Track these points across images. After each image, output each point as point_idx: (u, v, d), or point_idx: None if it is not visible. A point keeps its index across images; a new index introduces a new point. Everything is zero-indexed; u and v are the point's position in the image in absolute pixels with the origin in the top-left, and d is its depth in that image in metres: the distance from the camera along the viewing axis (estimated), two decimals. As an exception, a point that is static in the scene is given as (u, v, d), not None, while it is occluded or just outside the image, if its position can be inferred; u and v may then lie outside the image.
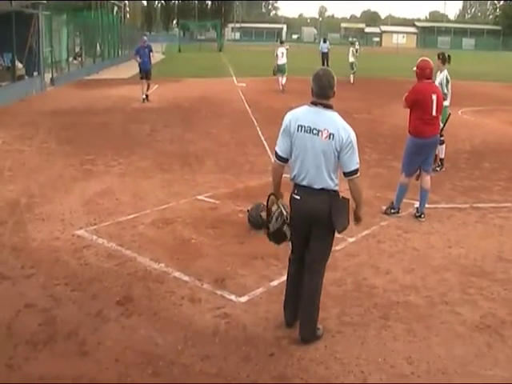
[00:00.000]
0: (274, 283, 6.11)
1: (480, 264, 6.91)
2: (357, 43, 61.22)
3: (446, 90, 11.02)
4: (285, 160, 4.98)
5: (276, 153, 5.01)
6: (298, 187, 4.96)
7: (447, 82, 11.22)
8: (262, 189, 9.58)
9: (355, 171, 4.85)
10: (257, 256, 6.80)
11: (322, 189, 4.86)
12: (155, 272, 6.36)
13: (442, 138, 10.76)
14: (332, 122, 4.79)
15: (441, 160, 11.70)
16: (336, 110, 4.89)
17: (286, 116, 4.99)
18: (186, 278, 6.22)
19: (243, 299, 5.78)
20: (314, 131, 4.78)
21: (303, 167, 4.88)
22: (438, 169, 11.33)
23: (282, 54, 24.67)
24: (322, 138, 4.76)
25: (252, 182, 10.13)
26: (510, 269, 6.78)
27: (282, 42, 26.93)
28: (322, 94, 4.84)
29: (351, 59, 29.35)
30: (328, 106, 4.86)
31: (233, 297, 5.82)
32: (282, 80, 24.66)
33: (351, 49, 29.77)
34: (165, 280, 6.19)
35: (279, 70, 24.70)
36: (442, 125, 9.98)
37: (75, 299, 5.72)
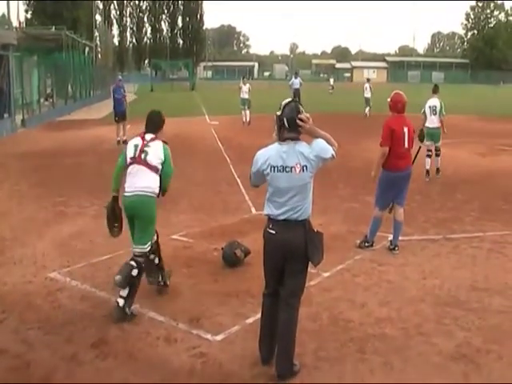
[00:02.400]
0: (250, 321, 6.08)
1: (454, 294, 6.96)
2: (331, 80, 62.54)
3: (444, 112, 14.13)
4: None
5: (251, 182, 5.25)
6: (274, 222, 5.00)
7: (441, 107, 14.08)
8: (236, 227, 9.62)
9: (333, 155, 4.96)
10: (231, 294, 6.79)
11: (296, 220, 4.92)
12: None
13: (438, 152, 14.35)
14: (302, 153, 4.89)
15: (438, 170, 14.34)
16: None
17: (256, 156, 5.10)
18: (161, 319, 6.18)
19: (219, 338, 5.75)
20: (287, 169, 4.88)
21: (281, 203, 4.95)
22: (437, 176, 14.22)
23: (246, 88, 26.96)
24: (297, 173, 4.87)
25: (226, 221, 10.13)
26: (484, 298, 6.85)
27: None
28: (293, 125, 4.91)
29: (367, 95, 30.70)
30: (297, 139, 4.95)
31: (208, 336, 5.78)
32: (246, 114, 26.54)
33: (366, 85, 31.00)
34: (140, 321, 6.14)
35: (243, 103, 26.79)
36: (439, 142, 14.21)
37: (49, 343, 5.65)
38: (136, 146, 6.48)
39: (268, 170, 4.96)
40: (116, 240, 8.71)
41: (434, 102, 14.18)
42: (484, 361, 5.38)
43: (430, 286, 7.21)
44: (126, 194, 6.41)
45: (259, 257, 7.51)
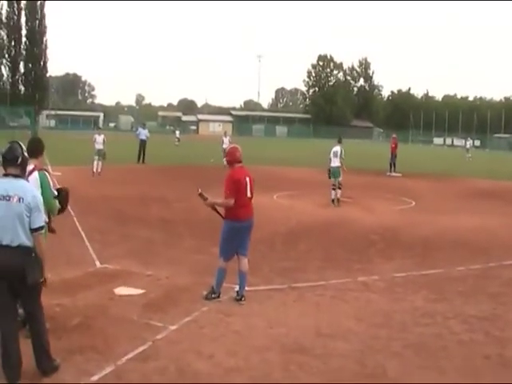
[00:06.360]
0: (95, 378, 5.85)
1: (300, 341, 7.13)
2: (177, 132, 63.86)
3: (343, 156, 19.78)
4: None
5: None
6: None
7: (341, 152, 19.72)
8: (80, 280, 9.26)
9: (40, 228, 5.78)
10: (75, 351, 6.48)
11: (18, 246, 5.63)
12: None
13: (340, 185, 19.57)
14: (21, 188, 5.73)
15: (338, 199, 19.40)
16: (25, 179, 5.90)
17: None
18: (-2, 381, 5.78)
19: (61, 398, 5.47)
20: (7, 197, 5.66)
21: (1, 229, 5.61)
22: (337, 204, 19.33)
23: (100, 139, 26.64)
24: (14, 202, 5.64)
25: (68, 274, 9.57)
26: (328, 343, 7.09)
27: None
28: (12, 165, 5.80)
29: (225, 145, 32.04)
30: (17, 176, 5.81)
31: (50, 396, 5.49)
32: (98, 165, 25.99)
33: (223, 138, 33.04)
34: (-26, 384, 5.71)
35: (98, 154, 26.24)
36: (340, 177, 19.59)
37: None
38: None
39: None
40: None
41: (337, 148, 19.91)
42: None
43: (277, 335, 7.34)
44: None
45: (103, 311, 7.33)
